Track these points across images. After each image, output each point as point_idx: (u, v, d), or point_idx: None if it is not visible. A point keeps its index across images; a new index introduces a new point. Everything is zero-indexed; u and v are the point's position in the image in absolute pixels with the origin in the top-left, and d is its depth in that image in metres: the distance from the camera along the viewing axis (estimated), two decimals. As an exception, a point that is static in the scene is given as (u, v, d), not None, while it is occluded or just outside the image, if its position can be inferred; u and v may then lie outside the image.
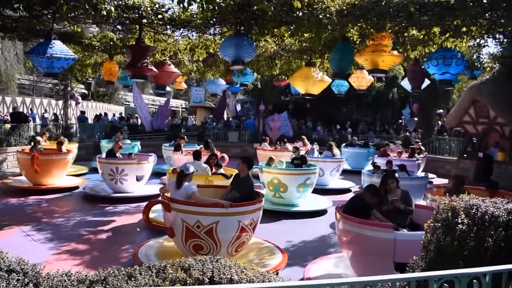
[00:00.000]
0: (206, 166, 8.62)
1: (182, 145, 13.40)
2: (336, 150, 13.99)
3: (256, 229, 6.07)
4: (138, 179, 10.79)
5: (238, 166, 6.67)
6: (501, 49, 13.45)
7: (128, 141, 15.74)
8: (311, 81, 10.63)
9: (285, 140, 16.28)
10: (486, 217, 3.00)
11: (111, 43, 11.56)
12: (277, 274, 4.63)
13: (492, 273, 2.43)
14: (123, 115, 28.07)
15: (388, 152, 14.70)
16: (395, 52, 8.08)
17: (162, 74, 10.52)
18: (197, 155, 8.95)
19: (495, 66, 14.76)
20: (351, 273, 5.45)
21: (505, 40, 9.68)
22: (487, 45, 9.03)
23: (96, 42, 11.69)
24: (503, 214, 3.00)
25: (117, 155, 11.06)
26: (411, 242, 4.66)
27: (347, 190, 12.69)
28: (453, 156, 17.40)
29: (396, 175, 6.99)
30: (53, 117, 20.98)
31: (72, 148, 13.82)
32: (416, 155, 14.84)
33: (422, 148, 15.46)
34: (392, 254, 4.87)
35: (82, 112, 23.90)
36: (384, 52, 7.52)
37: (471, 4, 6.77)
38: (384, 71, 7.97)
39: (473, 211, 3.08)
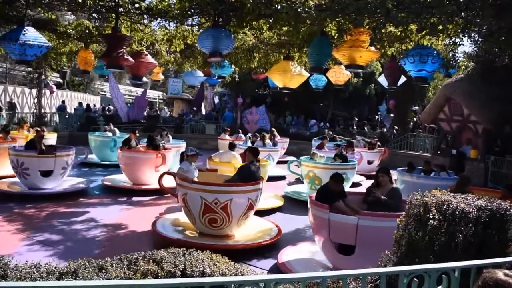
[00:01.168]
0: (236, 155, 9.70)
1: (133, 139, 11.92)
2: (267, 141, 14.55)
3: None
4: (44, 174, 9.64)
5: (245, 155, 7.85)
6: (476, 49, 13.69)
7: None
8: (289, 75, 10.59)
9: (257, 134, 16.20)
10: (457, 213, 3.04)
11: (87, 31, 11.29)
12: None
13: (461, 268, 2.47)
14: (99, 105, 27.63)
15: (325, 145, 14.75)
16: (373, 48, 8.12)
17: (138, 65, 10.33)
18: (232, 146, 10.30)
19: (470, 65, 15.05)
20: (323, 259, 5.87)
21: (479, 39, 9.88)
22: (463, 44, 9.22)
23: (71, 30, 11.42)
24: (473, 210, 3.05)
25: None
26: (343, 223, 5.31)
27: (282, 178, 13.51)
28: (428, 152, 17.70)
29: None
30: (7, 106, 19.87)
31: (51, 137, 13.57)
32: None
33: (378, 143, 16.03)
34: (328, 233, 5.41)
35: (63, 102, 23.42)
36: (362, 48, 7.55)
37: (447, 2, 6.84)
38: (361, 66, 8.00)
39: (445, 207, 3.12)
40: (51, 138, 14.44)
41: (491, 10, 6.67)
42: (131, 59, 8.89)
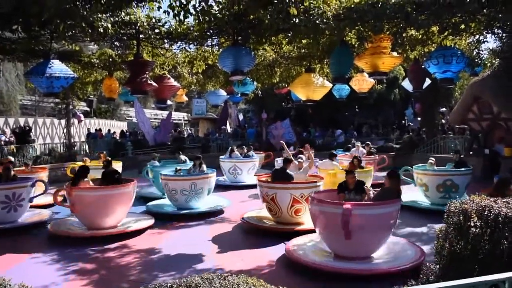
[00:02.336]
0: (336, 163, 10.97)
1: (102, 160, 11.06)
2: (236, 153, 14.68)
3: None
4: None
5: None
6: (500, 45, 13.36)
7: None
8: (312, 87, 10.56)
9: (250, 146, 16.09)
10: (500, 218, 2.91)
11: (110, 59, 11.58)
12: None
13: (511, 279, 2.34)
14: (126, 130, 28.09)
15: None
16: (395, 54, 8.01)
17: (162, 88, 10.51)
18: (332, 156, 11.33)
19: (495, 62, 14.67)
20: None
21: (504, 35, 9.63)
22: (487, 41, 8.99)
23: (95, 60, 11.71)
24: (517, 214, 2.91)
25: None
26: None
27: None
28: (461, 153, 17.22)
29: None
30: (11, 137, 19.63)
31: (117, 166, 11.66)
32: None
33: (374, 150, 15.03)
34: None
35: (97, 130, 24.01)
36: (384, 54, 7.46)
37: (468, 0, 6.71)
38: (384, 73, 7.90)
39: (486, 213, 2.99)
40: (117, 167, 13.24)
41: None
42: (154, 84, 9.04)
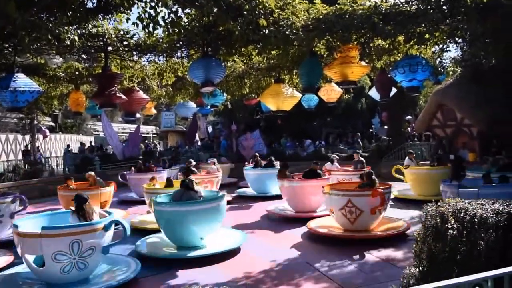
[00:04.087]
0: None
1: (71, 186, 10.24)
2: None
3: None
4: None
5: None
6: (461, 54, 13.86)
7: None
8: (282, 97, 10.66)
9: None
10: (475, 220, 2.98)
11: (77, 73, 11.34)
12: None
13: (494, 277, 2.39)
14: (93, 144, 27.44)
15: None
16: (363, 63, 8.18)
17: (131, 101, 10.34)
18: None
19: (457, 70, 15.19)
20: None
21: (465, 44, 10.00)
22: (449, 50, 9.30)
23: (61, 73, 11.45)
24: (491, 215, 2.99)
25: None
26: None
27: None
28: (426, 160, 17.66)
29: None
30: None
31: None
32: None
33: (362, 159, 14.08)
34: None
35: (68, 146, 23.27)
36: (352, 64, 7.60)
37: (431, 10, 6.95)
38: (353, 82, 8.06)
39: (461, 214, 3.06)
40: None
41: (475, 14, 6.78)
42: (123, 97, 8.90)
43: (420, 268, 3.14)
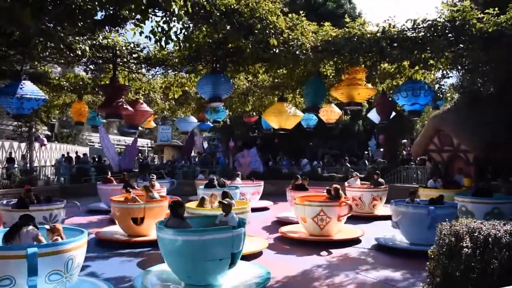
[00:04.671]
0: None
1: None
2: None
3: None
4: None
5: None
6: (460, 80, 14.13)
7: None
8: (285, 116, 10.81)
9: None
10: (490, 239, 3.08)
11: (81, 83, 11.40)
12: None
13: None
14: (88, 156, 27.32)
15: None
16: (370, 85, 8.36)
17: (134, 113, 10.39)
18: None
19: (454, 96, 15.49)
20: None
21: (463, 71, 10.23)
22: (451, 76, 9.52)
23: (64, 82, 11.51)
24: (505, 235, 3.09)
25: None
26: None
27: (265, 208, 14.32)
28: (421, 183, 17.81)
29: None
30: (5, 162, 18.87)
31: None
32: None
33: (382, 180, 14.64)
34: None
35: (62, 155, 23.18)
36: (359, 86, 7.77)
37: (437, 37, 7.16)
38: (359, 103, 8.22)
39: (476, 234, 3.15)
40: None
41: (480, 43, 6.99)
42: (130, 108, 8.98)
43: (433, 285, 3.22)
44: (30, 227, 5.31)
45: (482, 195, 10.36)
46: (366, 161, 21.87)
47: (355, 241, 9.12)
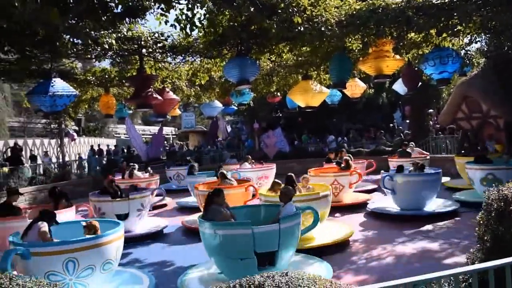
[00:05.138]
0: None
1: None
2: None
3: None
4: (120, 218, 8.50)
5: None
6: (486, 45, 13.77)
7: None
8: (311, 94, 10.79)
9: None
10: (539, 202, 3.09)
11: (106, 76, 11.59)
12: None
13: None
14: (115, 147, 27.86)
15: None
16: (397, 56, 8.26)
17: (162, 102, 10.55)
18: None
19: (480, 61, 15.12)
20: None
21: (488, 35, 9.96)
22: (479, 41, 9.31)
23: (91, 77, 11.72)
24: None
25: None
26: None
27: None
28: (451, 153, 17.61)
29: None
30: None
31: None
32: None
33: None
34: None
35: (91, 147, 23.86)
36: (387, 58, 7.69)
37: (464, 2, 7.00)
38: (388, 76, 8.15)
39: (524, 197, 3.17)
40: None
41: (507, 5, 6.81)
42: (159, 97, 9.12)
43: (484, 249, 3.26)
44: (39, 222, 5.38)
45: (481, 161, 10.49)
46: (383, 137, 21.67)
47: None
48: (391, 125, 25.05)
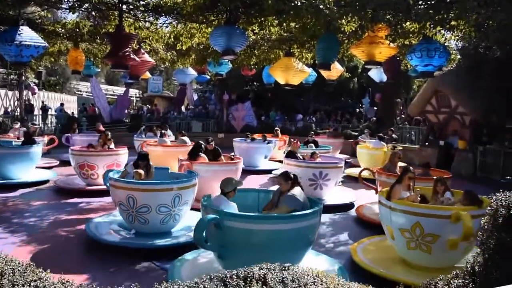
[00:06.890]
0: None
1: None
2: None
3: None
4: None
5: None
6: (461, 42, 13.91)
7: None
8: (292, 72, 10.54)
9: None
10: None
11: (77, 29, 10.86)
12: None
13: None
14: (76, 105, 26.80)
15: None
16: (392, 44, 8.11)
17: (137, 64, 10.02)
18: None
19: (456, 58, 15.33)
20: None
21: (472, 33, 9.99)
22: (475, 39, 9.27)
23: (60, 29, 10.95)
24: None
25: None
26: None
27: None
28: (414, 144, 17.97)
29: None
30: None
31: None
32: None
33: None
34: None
35: (62, 104, 22.61)
36: (381, 44, 7.53)
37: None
38: (379, 63, 8.00)
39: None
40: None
41: (510, 5, 6.76)
42: (137, 59, 8.61)
43: (487, 255, 3.20)
44: None
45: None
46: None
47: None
48: (357, 110, 25.30)
